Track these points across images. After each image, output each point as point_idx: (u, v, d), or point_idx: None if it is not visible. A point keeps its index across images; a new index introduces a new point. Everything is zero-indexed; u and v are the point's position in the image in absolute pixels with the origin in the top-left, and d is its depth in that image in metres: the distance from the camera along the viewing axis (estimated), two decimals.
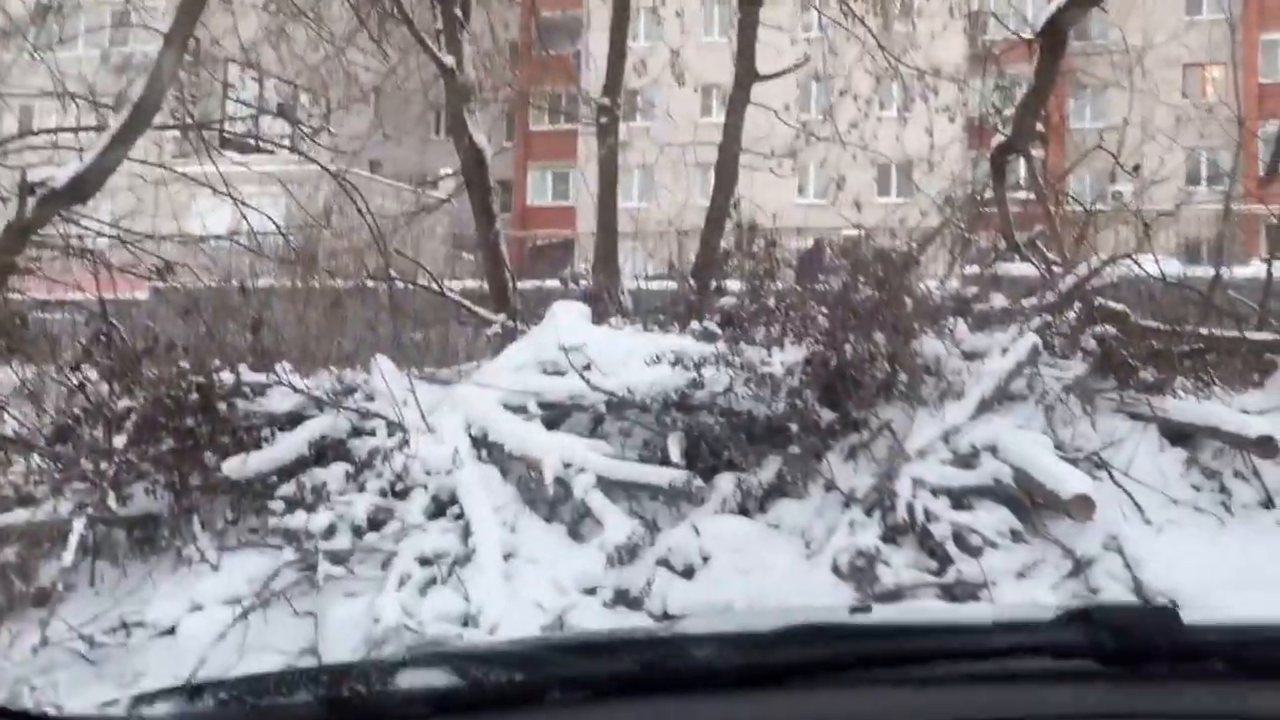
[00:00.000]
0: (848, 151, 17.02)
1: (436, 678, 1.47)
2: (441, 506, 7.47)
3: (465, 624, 6.61)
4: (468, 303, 12.89)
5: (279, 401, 8.09)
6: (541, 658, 1.57)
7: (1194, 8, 40.00)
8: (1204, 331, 8.95)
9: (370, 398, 8.14)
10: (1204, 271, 10.85)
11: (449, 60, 13.22)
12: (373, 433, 7.87)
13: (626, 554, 7.08)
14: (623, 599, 6.94)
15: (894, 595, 6.71)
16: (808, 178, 25.79)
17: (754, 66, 15.02)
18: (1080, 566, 6.94)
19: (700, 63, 18.36)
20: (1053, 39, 10.43)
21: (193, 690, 1.42)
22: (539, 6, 17.69)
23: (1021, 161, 11.17)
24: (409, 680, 1.46)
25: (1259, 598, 6.42)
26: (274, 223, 13.21)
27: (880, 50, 16.66)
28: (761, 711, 1.48)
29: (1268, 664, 1.55)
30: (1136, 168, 11.43)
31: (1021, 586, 6.77)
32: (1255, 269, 12.23)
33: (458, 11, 13.44)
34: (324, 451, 7.80)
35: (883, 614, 1.92)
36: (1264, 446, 7.44)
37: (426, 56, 13.85)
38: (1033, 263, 10.24)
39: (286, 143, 15.88)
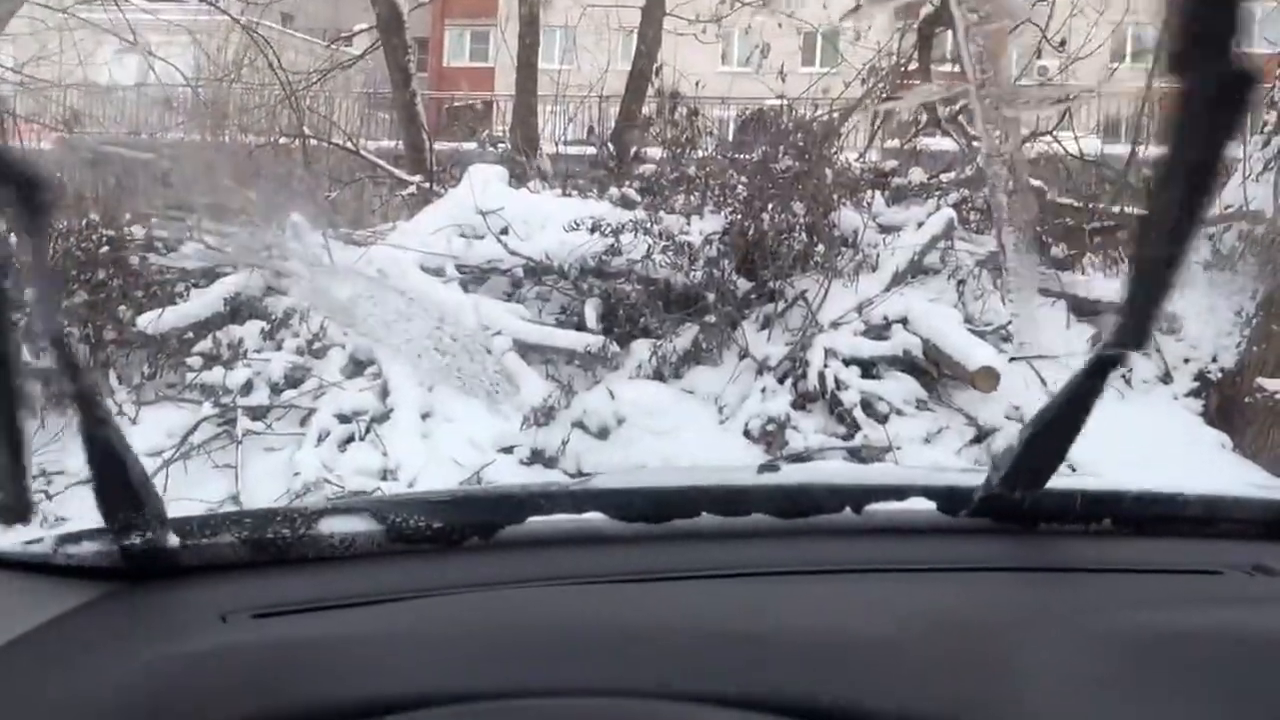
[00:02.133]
0: (773, 18, 16.83)
1: (357, 523, 1.50)
2: (359, 365, 7.48)
3: (384, 478, 6.67)
4: (383, 163, 12.73)
5: (193, 257, 8.01)
6: (458, 506, 1.61)
7: None
8: (1116, 209, 9.07)
9: (286, 256, 8.06)
10: (1124, 149, 10.93)
11: None
12: (287, 291, 7.82)
13: (542, 415, 7.15)
14: (539, 458, 7.02)
15: (802, 458, 6.86)
16: (731, 45, 25.52)
17: None
18: (983, 434, 7.12)
19: None
20: None
21: (118, 530, 1.44)
22: None
23: (949, 33, 11.02)
24: (330, 525, 1.49)
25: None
26: (182, 74, 12.85)
27: None
28: (654, 556, 1.54)
29: (1136, 520, 1.65)
30: (1063, 42, 11.41)
31: (926, 451, 6.95)
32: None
33: None
34: (239, 308, 7.76)
35: (789, 472, 1.99)
36: (1167, 322, 7.63)
37: None
38: (953, 137, 10.25)
39: None
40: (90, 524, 1.49)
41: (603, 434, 7.13)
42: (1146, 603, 1.42)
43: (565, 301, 8.05)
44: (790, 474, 1.91)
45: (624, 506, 1.57)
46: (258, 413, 7.16)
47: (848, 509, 1.60)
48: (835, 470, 4.70)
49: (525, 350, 7.52)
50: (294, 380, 7.36)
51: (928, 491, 1.63)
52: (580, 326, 7.71)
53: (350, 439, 6.97)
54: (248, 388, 7.22)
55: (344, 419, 7.04)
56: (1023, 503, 1.57)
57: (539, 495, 1.60)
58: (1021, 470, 1.55)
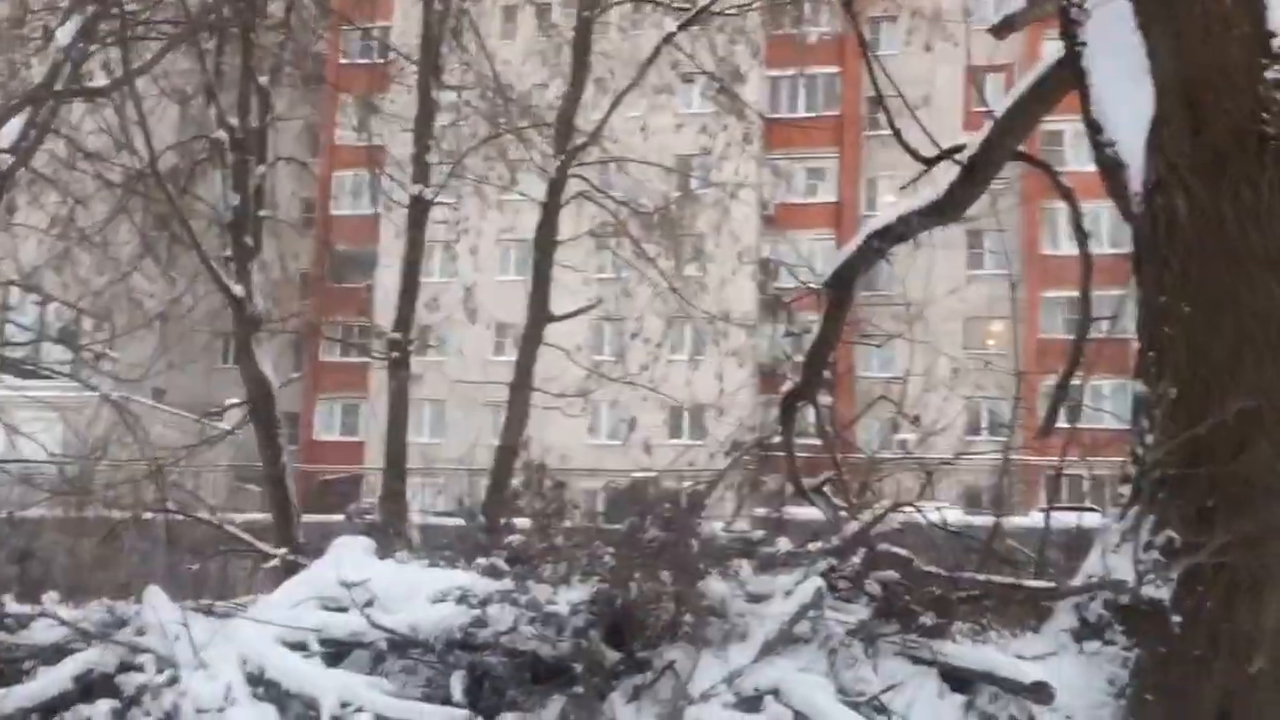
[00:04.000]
0: (639, 393, 17.35)
1: None
2: None
3: None
4: (248, 536, 12.59)
5: (44, 634, 7.70)
6: None
7: (975, 263, 41.99)
8: (982, 578, 9.17)
9: (141, 631, 7.80)
10: (985, 520, 11.18)
11: (238, 289, 13.19)
12: (142, 668, 7.51)
13: None
14: None
15: None
16: (599, 418, 26.14)
17: (547, 306, 15.37)
18: None
19: (494, 301, 18.70)
20: (840, 289, 10.84)
21: None
22: (333, 239, 17.89)
23: (810, 408, 11.38)
24: None
25: None
26: (47, 451, 12.78)
27: (672, 293, 17.26)
28: None
29: None
30: (916, 418, 11.85)
31: None
32: (1034, 519, 12.69)
33: (248, 239, 13.48)
34: (90, 687, 7.41)
35: None
36: (1038, 693, 7.60)
37: (214, 284, 13.80)
38: (820, 508, 10.42)
39: (66, 369, 15.51)
40: None
41: None
42: None
43: (431, 675, 7.83)
44: None
45: None
46: None
47: None
48: None
49: None
50: None
51: None
52: (446, 701, 7.49)
53: None
54: None
55: None
56: None
57: None
58: None
